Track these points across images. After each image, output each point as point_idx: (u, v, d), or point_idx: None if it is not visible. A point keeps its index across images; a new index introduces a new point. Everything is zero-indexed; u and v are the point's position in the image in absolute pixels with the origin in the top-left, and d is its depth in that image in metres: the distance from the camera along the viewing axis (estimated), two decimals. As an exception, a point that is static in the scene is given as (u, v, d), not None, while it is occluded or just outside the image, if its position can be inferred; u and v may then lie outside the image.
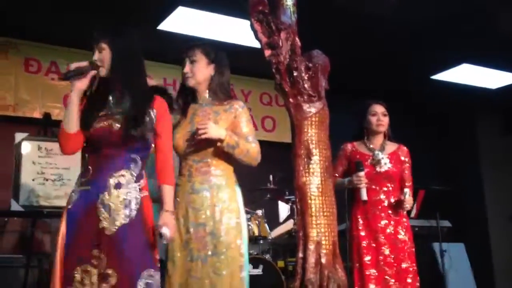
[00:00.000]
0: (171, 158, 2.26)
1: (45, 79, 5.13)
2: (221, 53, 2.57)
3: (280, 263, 4.56)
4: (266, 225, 4.55)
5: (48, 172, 4.51)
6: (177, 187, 2.37)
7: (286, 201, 4.81)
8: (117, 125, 2.14)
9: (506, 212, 6.15)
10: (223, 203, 2.35)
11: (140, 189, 2.16)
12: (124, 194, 2.11)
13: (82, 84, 2.14)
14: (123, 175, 2.13)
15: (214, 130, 2.31)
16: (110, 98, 2.23)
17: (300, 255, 2.48)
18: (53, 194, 4.50)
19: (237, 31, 4.71)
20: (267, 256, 4.37)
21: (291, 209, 4.67)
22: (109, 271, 2.03)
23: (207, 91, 2.50)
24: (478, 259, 6.40)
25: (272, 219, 4.79)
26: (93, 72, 2.17)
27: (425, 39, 5.07)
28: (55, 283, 2.06)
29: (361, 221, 3.21)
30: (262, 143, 2.52)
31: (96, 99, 2.22)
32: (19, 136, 4.46)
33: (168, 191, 2.20)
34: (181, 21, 4.68)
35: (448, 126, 6.80)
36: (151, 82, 2.48)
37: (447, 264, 4.84)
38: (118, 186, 2.11)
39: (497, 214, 6.68)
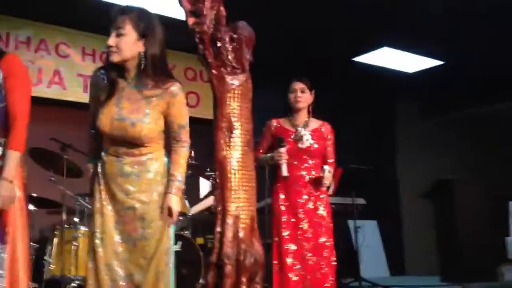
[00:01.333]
0: (23, 120, 2.09)
1: None
2: (156, 24, 2.21)
3: (200, 240, 4.53)
4: (186, 201, 4.48)
5: None
6: (103, 164, 2.22)
7: (207, 178, 4.76)
8: None
9: (417, 192, 6.48)
10: (151, 186, 2.20)
11: None
12: None
13: None
14: None
15: (176, 210, 2.18)
16: None
17: (218, 229, 2.45)
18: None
19: (162, 1, 4.54)
20: (186, 233, 4.31)
21: (212, 186, 4.63)
22: None
23: (137, 69, 2.19)
24: (390, 236, 6.75)
25: (193, 196, 4.73)
26: None
27: (349, 19, 5.16)
28: None
29: (282, 196, 3.23)
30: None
31: None
32: None
33: (12, 157, 2.04)
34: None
35: (368, 108, 7.03)
36: None
37: (360, 240, 5.03)
38: None
39: (409, 193, 7.04)
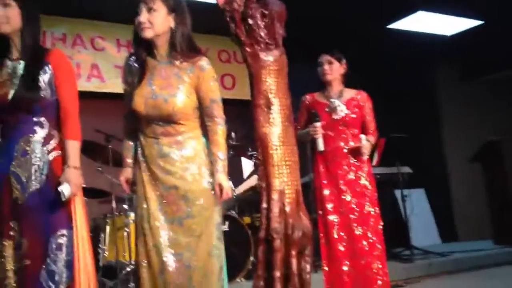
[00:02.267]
0: (75, 111, 2.17)
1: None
2: (181, 1, 2.28)
3: (247, 219, 4.57)
4: (230, 182, 4.51)
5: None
6: (142, 147, 2.27)
7: (249, 157, 4.79)
8: (12, 92, 2.07)
9: (464, 156, 6.31)
10: (192, 164, 2.23)
11: (50, 151, 2.10)
12: (31, 160, 2.06)
13: None
14: (29, 141, 2.08)
15: (227, 186, 2.23)
16: (8, 60, 2.14)
17: (264, 205, 2.46)
18: None
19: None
20: (233, 213, 4.36)
21: (255, 165, 4.65)
22: (23, 240, 2.01)
23: (167, 45, 2.25)
24: (439, 203, 6.62)
25: (236, 176, 4.77)
26: None
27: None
28: None
29: (322, 170, 3.22)
30: (222, 101, 2.34)
31: None
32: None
33: (72, 146, 2.11)
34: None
35: (406, 74, 6.86)
36: None
37: (408, 210, 4.96)
38: (24, 153, 2.07)
39: (455, 158, 6.87)
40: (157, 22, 2.19)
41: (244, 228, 4.17)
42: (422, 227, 5.97)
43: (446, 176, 6.87)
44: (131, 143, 2.37)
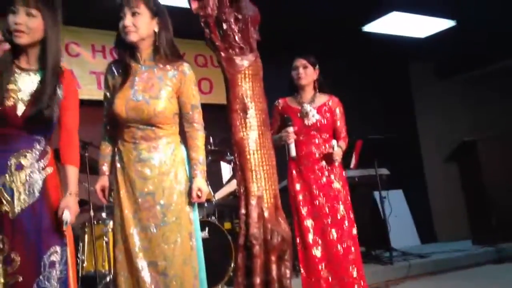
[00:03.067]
0: (76, 137, 2.14)
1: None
2: (162, 5, 2.31)
3: (227, 225, 4.55)
4: (209, 187, 4.49)
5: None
6: (120, 153, 2.25)
7: (228, 162, 4.77)
8: (22, 107, 2.00)
9: (440, 156, 6.39)
10: (170, 170, 2.22)
11: (44, 167, 2.05)
12: (26, 175, 2.01)
13: None
14: (25, 156, 2.02)
15: (205, 191, 2.23)
16: (17, 70, 2.06)
17: (242, 211, 2.44)
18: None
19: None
20: (213, 219, 4.33)
21: (233, 170, 4.63)
22: (13, 255, 1.95)
23: (151, 49, 2.26)
24: (417, 204, 6.68)
25: (215, 181, 4.74)
26: (6, 47, 1.98)
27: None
28: None
29: (295, 175, 3.25)
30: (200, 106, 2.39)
31: (6, 70, 2.03)
32: None
33: (72, 172, 2.09)
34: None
35: (381, 76, 6.92)
36: None
37: (387, 211, 5.00)
38: (19, 167, 2.01)
39: (433, 158, 6.95)
40: (142, 25, 2.21)
41: (225, 234, 4.14)
42: (401, 228, 6.02)
43: (423, 176, 6.95)
44: (108, 150, 2.35)
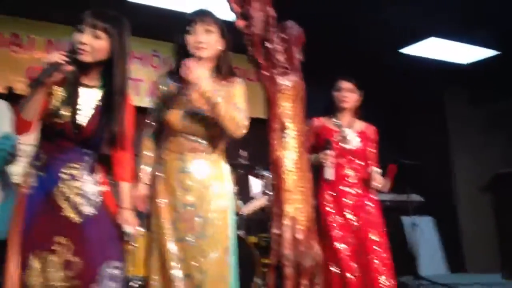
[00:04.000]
0: (129, 152, 2.19)
1: (7, 52, 4.91)
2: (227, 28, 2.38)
3: (253, 239, 4.54)
4: (238, 201, 4.50)
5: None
6: (164, 162, 2.28)
7: (258, 176, 4.77)
8: (83, 122, 2.06)
9: (474, 185, 6.24)
10: (212, 183, 2.25)
11: (98, 182, 2.11)
12: (80, 185, 2.06)
13: (55, 79, 2.01)
14: (75, 168, 2.08)
15: (197, 73, 2.15)
16: (81, 88, 2.13)
17: (276, 231, 2.42)
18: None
19: (205, 3, 4.56)
20: (240, 232, 4.32)
21: (263, 185, 4.63)
22: (75, 259, 1.99)
23: (211, 65, 2.32)
24: (448, 232, 6.54)
25: (244, 195, 4.75)
26: (69, 68, 2.03)
27: (393, 10, 5.03)
28: (9, 267, 1.99)
29: (328, 197, 3.21)
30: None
31: (69, 87, 2.11)
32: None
33: (125, 188, 2.15)
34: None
35: (416, 100, 6.84)
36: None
37: (417, 238, 4.91)
38: (72, 177, 2.06)
39: (466, 187, 6.80)
40: (213, 43, 2.28)
41: (250, 248, 4.13)
42: (430, 256, 5.90)
43: (455, 205, 6.80)
44: (149, 159, 2.38)
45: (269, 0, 2.68)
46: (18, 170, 2.71)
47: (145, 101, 5.51)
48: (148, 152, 2.40)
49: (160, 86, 2.40)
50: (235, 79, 2.35)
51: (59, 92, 2.09)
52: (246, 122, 2.31)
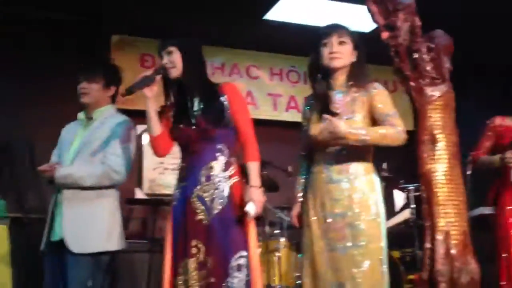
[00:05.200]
0: (252, 136, 2.31)
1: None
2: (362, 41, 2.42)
3: (396, 253, 4.42)
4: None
5: (167, 162, 4.75)
6: (312, 175, 2.35)
7: (402, 190, 4.64)
8: (193, 123, 2.28)
9: None
10: (362, 194, 2.25)
11: (230, 176, 2.27)
12: (214, 185, 2.24)
13: (150, 91, 2.29)
14: (212, 167, 2.26)
15: (334, 128, 2.16)
16: (187, 97, 2.35)
17: (428, 245, 2.37)
18: (172, 183, 4.77)
19: (342, 16, 4.60)
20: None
21: (407, 198, 4.50)
22: (207, 259, 2.16)
23: (345, 76, 2.35)
24: None
25: (388, 208, 4.64)
26: (158, 78, 2.30)
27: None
28: (166, 275, 2.24)
29: (509, 207, 2.99)
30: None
31: (176, 100, 2.39)
32: (140, 128, 4.70)
33: (253, 168, 2.26)
34: (286, 10, 4.68)
35: None
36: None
37: None
38: (208, 178, 2.24)
39: None
40: (346, 54, 2.33)
41: (396, 263, 4.03)
42: None
43: None
44: (303, 180, 2.46)
45: (415, 10, 2.66)
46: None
47: (284, 116, 5.69)
48: (301, 173, 2.50)
49: (305, 109, 2.50)
50: (372, 84, 2.33)
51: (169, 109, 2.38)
52: (401, 127, 2.23)
